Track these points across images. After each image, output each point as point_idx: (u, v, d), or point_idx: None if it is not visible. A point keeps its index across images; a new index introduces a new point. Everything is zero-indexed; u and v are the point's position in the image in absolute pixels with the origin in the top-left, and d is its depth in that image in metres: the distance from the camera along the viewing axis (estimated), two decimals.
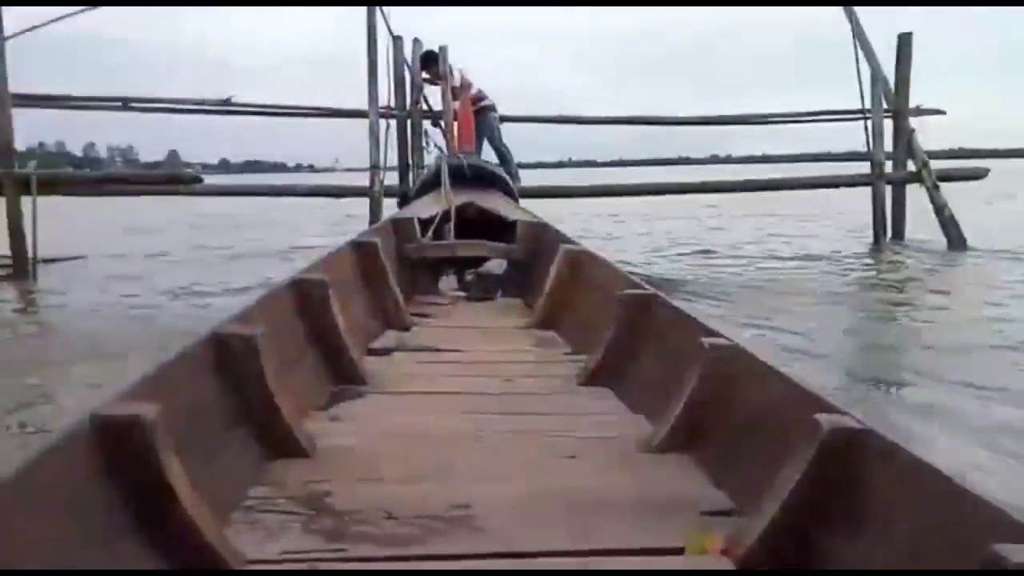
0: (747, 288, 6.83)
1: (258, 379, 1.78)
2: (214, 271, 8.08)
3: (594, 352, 2.60)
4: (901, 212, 9.44)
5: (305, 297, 2.47)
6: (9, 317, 6.20)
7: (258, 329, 1.81)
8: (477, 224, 4.69)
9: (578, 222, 10.74)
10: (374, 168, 8.30)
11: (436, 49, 8.36)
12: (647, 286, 2.73)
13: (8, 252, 7.58)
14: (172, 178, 6.84)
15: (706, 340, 1.94)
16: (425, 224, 4.40)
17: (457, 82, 8.59)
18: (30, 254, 7.53)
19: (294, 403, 1.91)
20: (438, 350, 2.98)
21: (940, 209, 8.97)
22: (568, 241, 3.87)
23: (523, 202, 6.79)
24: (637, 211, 13.01)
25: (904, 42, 9.24)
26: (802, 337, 4.76)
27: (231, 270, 8.07)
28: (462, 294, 4.19)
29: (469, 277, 4.24)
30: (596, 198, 9.78)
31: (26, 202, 7.41)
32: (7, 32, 7.20)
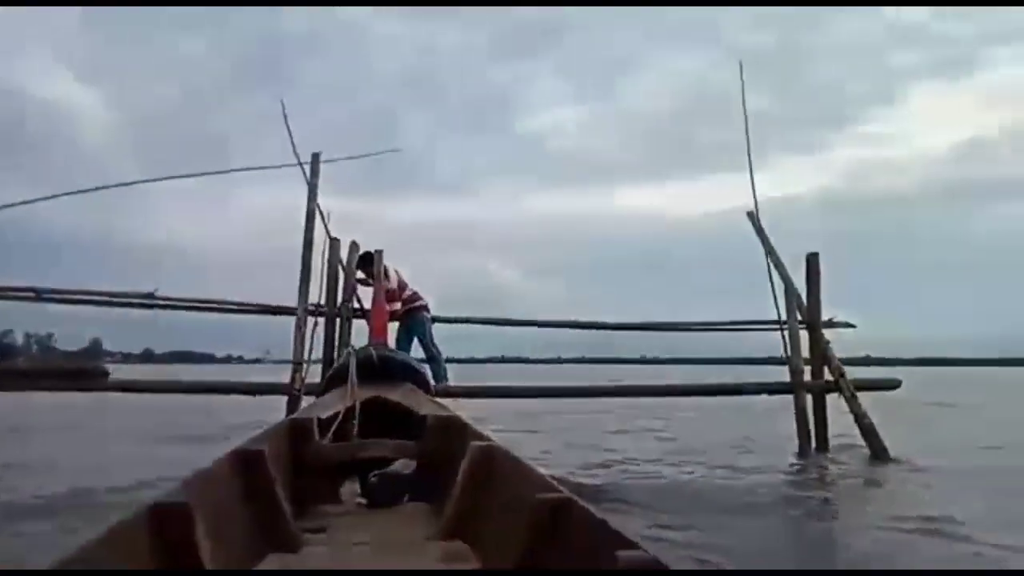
0: (665, 496, 6.63)
1: None
2: None
3: (505, 566, 2.38)
4: (823, 419, 9.58)
5: (161, 529, 2.06)
6: None
7: None
8: (385, 420, 4.39)
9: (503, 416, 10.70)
10: (297, 365, 8.17)
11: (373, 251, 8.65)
12: (562, 489, 2.53)
13: None
14: (78, 372, 6.59)
15: (623, 553, 1.79)
16: (327, 424, 4.06)
17: (393, 284, 8.78)
18: None
19: None
20: None
21: (860, 419, 9.15)
22: (480, 437, 3.56)
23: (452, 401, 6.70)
24: (562, 408, 12.98)
25: (812, 262, 9.86)
26: (720, 551, 4.58)
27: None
28: (364, 501, 3.93)
29: (373, 480, 3.98)
30: (519, 399, 9.79)
31: None
32: None
